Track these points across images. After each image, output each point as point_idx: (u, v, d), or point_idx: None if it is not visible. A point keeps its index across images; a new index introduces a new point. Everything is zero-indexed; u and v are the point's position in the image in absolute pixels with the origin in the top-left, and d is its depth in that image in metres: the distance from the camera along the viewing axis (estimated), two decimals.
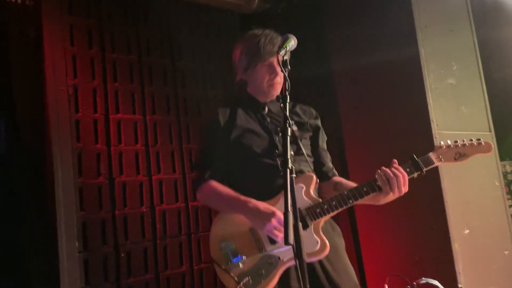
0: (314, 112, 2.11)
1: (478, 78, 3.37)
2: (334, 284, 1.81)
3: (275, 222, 1.69)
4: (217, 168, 1.92)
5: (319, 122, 2.09)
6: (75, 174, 2.90)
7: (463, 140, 1.90)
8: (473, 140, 1.90)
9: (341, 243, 1.95)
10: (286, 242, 1.20)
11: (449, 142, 1.89)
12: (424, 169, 1.82)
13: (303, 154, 1.89)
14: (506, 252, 3.14)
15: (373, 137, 3.09)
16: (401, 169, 1.77)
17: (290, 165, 1.33)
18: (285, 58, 1.53)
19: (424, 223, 2.83)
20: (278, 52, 1.52)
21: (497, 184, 3.28)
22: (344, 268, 1.88)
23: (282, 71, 1.50)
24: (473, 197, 3.02)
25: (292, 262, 1.71)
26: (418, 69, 2.85)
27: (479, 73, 3.39)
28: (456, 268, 2.70)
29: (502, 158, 3.63)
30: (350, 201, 1.79)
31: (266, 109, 1.98)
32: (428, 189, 2.73)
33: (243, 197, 1.79)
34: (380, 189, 1.77)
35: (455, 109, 3.08)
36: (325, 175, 2.03)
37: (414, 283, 2.52)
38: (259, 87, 1.95)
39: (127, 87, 3.26)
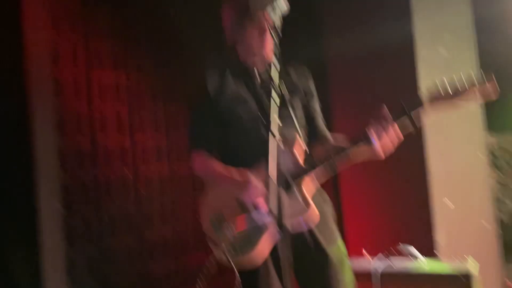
0: (307, 72, 2.03)
1: (472, 50, 3.33)
2: (321, 249, 1.82)
3: (253, 191, 1.68)
4: (206, 139, 1.91)
5: (311, 84, 2.02)
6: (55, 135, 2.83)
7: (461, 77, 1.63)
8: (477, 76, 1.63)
9: (328, 210, 1.95)
10: (267, 209, 1.18)
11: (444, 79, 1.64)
12: (412, 113, 1.63)
13: (293, 119, 1.84)
14: (484, 223, 3.20)
15: (361, 106, 3.05)
16: (382, 121, 1.65)
17: (274, 131, 1.30)
18: (274, 19, 1.45)
19: (406, 191, 2.85)
20: (266, 12, 1.44)
21: (480, 155, 3.30)
22: (330, 235, 1.89)
23: (271, 34, 1.42)
24: (456, 167, 3.04)
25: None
26: (409, 38, 2.79)
27: (473, 45, 3.34)
28: (434, 236, 2.74)
29: (489, 129, 3.64)
30: (331, 159, 1.73)
31: (257, 74, 1.93)
32: (412, 157, 2.75)
33: (222, 167, 1.79)
34: (364, 140, 1.68)
35: (444, 76, 3.05)
36: (315, 136, 2.00)
37: (392, 248, 2.57)
38: (249, 50, 1.89)
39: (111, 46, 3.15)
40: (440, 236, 2.77)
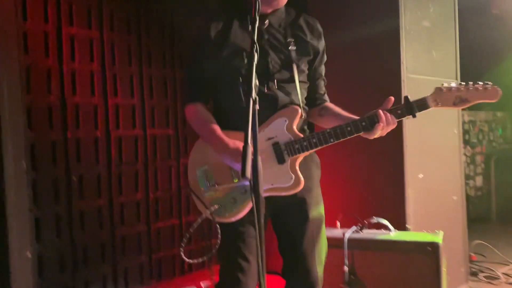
0: (319, 28, 1.92)
1: (453, 24, 3.30)
2: (303, 210, 1.83)
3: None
4: (202, 88, 1.82)
5: (322, 43, 1.92)
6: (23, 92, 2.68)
7: (468, 83, 1.73)
8: (479, 83, 1.73)
9: (317, 174, 1.93)
10: (243, 175, 1.15)
11: (452, 84, 1.73)
12: (416, 113, 1.72)
13: (295, 82, 1.78)
14: (454, 198, 3.28)
15: (345, 72, 2.99)
16: (389, 116, 1.71)
17: (254, 95, 1.23)
18: None
19: (381, 165, 2.87)
20: None
21: (455, 132, 3.34)
22: (315, 198, 1.89)
23: None
24: (431, 143, 3.07)
25: (265, 193, 1.69)
26: (395, 9, 2.73)
27: (454, 19, 3.32)
28: (407, 210, 2.79)
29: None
30: (332, 140, 1.73)
31: (267, 22, 1.80)
32: (389, 133, 2.73)
33: (217, 133, 1.73)
34: (365, 129, 1.71)
35: (426, 53, 3.03)
36: (313, 103, 1.95)
37: (365, 221, 2.60)
38: None
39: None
40: (413, 209, 2.82)
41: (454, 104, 1.73)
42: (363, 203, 2.89)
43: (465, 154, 5.56)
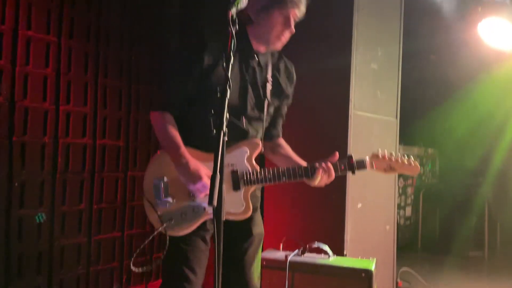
0: (294, 75, 2.10)
1: (397, 66, 3.60)
2: (246, 228, 1.97)
3: (200, 186, 1.75)
4: (179, 102, 1.88)
5: (292, 87, 2.10)
6: None
7: (398, 155, 2.01)
8: (405, 158, 2.02)
9: (258, 195, 2.06)
10: (210, 203, 1.23)
11: (386, 152, 2.00)
12: (356, 171, 1.96)
13: (262, 119, 1.94)
14: (387, 227, 3.52)
15: (296, 104, 3.13)
16: (332, 169, 1.92)
17: (225, 128, 1.32)
18: (234, 16, 1.46)
19: (325, 193, 3.01)
20: (229, 9, 1.45)
21: None
22: (257, 217, 2.04)
23: (230, 29, 1.44)
24: (371, 175, 3.27)
25: None
26: (348, 51, 2.95)
27: (398, 62, 3.62)
28: (345, 236, 2.96)
29: (401, 142, 3.98)
30: (284, 179, 1.91)
31: (257, 60, 1.93)
32: None
33: (180, 151, 1.79)
34: (312, 176, 1.91)
35: (372, 93, 3.28)
36: (270, 136, 2.10)
37: (307, 245, 2.74)
38: (265, 33, 1.88)
39: (44, 3, 2.92)
40: (350, 237, 3.00)
41: (385, 171, 2.03)
42: (306, 228, 3.03)
43: (398, 185, 5.94)
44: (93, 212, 3.26)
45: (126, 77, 3.50)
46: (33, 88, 2.89)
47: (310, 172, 1.91)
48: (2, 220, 2.73)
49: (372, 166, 1.99)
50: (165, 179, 1.83)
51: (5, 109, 2.75)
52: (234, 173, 1.86)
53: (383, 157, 2.00)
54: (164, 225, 1.77)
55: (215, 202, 1.23)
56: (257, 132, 1.96)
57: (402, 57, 3.63)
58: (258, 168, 1.88)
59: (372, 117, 3.26)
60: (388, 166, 2.01)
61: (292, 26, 1.88)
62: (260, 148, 1.90)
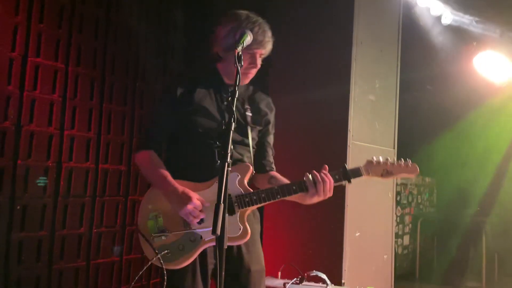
0: (271, 104, 2.15)
1: (394, 98, 3.69)
2: (244, 265, 1.96)
3: (191, 207, 1.77)
4: (161, 140, 1.97)
5: (273, 116, 2.15)
6: None
7: (393, 159, 1.98)
8: (402, 160, 1.98)
9: (257, 228, 2.08)
10: (214, 232, 1.26)
11: (380, 158, 1.96)
12: (351, 179, 1.92)
13: (248, 144, 1.97)
14: (385, 256, 3.53)
15: (296, 138, 3.22)
16: (329, 175, 1.88)
17: (228, 159, 1.38)
18: (240, 53, 1.55)
19: (323, 222, 3.06)
20: (236, 48, 1.53)
21: (390, 195, 3.66)
22: (256, 252, 2.03)
23: (236, 65, 1.51)
24: (369, 204, 3.34)
25: (213, 243, 1.80)
26: (347, 82, 3.04)
27: (395, 93, 3.71)
28: (343, 265, 2.98)
29: None
30: (278, 196, 1.89)
31: (229, 92, 1.96)
32: (333, 191, 2.96)
33: (168, 179, 1.84)
34: (307, 189, 1.87)
35: (370, 124, 3.36)
36: (263, 168, 2.12)
37: (305, 273, 2.75)
38: (233, 70, 1.90)
39: (54, 31, 3.02)
40: (348, 265, 3.02)
41: (382, 175, 1.97)
42: (304, 256, 3.05)
43: (395, 214, 5.96)
44: (92, 236, 3.27)
45: (130, 103, 3.58)
46: (40, 113, 2.95)
47: (305, 185, 1.87)
48: (3, 242, 2.75)
49: (367, 173, 1.95)
50: (159, 213, 1.86)
51: (11, 133, 2.81)
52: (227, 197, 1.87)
53: (378, 162, 1.96)
54: (159, 255, 1.77)
55: (218, 231, 1.26)
56: (242, 155, 1.98)
57: (399, 88, 3.74)
58: (250, 190, 1.90)
59: (370, 147, 3.33)
60: (384, 170, 1.96)
61: (258, 63, 1.95)
62: (251, 170, 1.92)
